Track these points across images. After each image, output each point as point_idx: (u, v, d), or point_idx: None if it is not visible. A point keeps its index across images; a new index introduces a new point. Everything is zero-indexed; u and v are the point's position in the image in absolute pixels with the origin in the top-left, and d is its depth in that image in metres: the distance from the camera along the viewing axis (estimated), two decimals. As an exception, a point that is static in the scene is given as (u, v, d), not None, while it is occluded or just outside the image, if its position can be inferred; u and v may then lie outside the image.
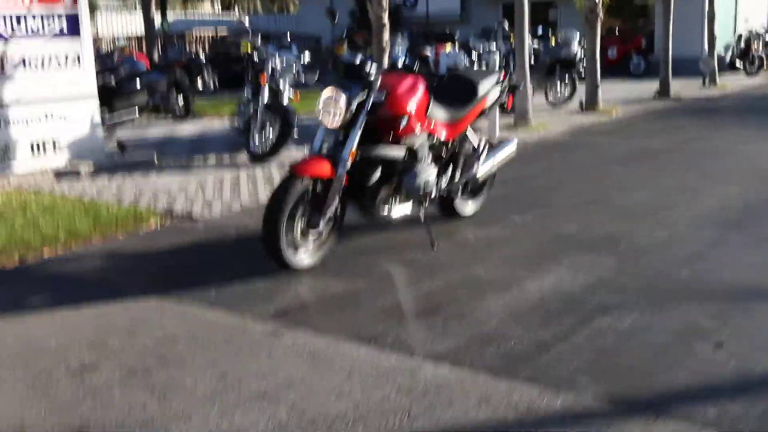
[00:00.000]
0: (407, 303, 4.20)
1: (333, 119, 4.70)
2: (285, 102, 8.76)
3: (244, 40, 9.17)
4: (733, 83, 18.01)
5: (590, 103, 13.03)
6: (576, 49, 14.33)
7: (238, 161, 8.75)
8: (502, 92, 5.76)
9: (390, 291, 4.39)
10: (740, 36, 20.69)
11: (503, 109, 5.80)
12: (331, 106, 4.68)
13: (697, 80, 17.57)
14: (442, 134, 5.27)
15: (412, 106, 4.92)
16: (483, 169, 5.61)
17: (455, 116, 5.36)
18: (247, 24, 8.99)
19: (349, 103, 4.65)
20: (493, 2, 24.13)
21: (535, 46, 14.07)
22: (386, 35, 8.60)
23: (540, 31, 14.75)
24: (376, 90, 4.74)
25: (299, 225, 4.67)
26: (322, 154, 4.78)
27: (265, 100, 8.60)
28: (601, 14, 12.77)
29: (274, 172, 8.03)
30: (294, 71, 8.85)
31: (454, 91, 5.47)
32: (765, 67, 20.23)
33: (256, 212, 6.30)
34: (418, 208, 5.22)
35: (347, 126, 4.73)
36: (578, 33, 14.07)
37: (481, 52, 12.38)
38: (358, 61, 4.75)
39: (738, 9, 21.91)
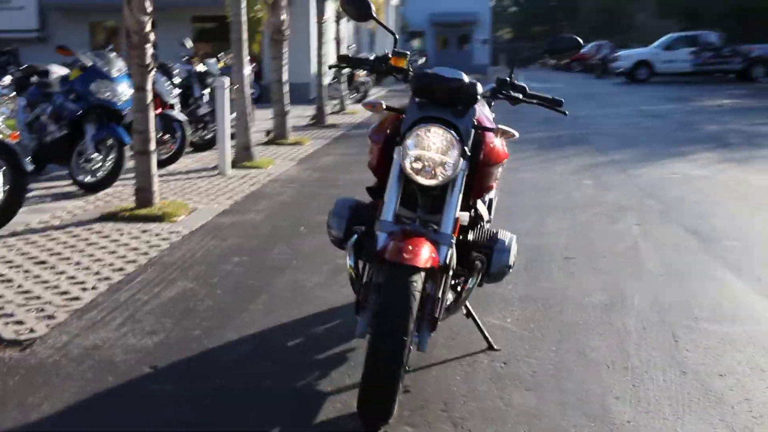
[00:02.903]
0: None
1: (437, 173, 2.95)
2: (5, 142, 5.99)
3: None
4: (358, 109, 18.25)
5: (280, 135, 11.82)
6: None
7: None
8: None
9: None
10: (343, 63, 21.22)
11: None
12: (433, 152, 2.93)
13: (312, 106, 17.10)
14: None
15: (504, 146, 3.37)
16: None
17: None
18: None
19: (462, 147, 2.96)
20: (77, 20, 21.17)
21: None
22: (150, 51, 6.36)
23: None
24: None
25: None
26: (407, 227, 2.99)
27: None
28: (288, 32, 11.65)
29: (37, 252, 5.38)
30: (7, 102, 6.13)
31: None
32: (365, 95, 21.07)
33: (98, 319, 4.03)
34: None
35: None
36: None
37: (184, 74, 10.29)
38: (466, 79, 3.01)
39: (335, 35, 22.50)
